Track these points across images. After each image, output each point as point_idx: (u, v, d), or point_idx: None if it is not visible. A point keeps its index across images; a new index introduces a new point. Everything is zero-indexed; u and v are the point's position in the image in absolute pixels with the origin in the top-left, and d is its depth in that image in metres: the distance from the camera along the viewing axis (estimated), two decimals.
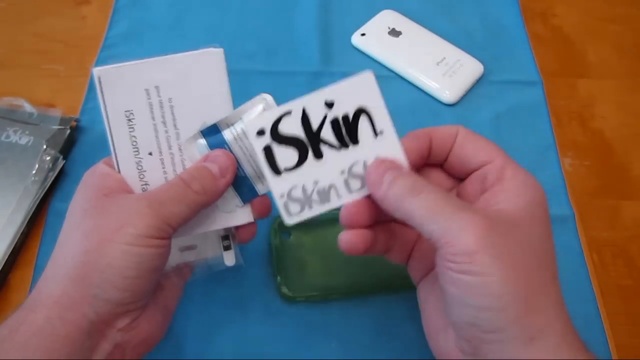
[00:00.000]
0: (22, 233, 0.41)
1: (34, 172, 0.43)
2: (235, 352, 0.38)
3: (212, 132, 0.32)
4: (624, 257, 0.44)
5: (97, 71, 0.30)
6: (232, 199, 0.32)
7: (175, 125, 0.31)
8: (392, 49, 0.53)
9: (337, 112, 0.30)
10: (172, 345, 0.38)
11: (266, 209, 0.33)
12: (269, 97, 0.33)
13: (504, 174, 0.29)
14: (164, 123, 0.31)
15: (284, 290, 0.39)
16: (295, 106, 0.30)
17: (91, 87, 0.50)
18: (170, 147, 0.31)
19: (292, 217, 0.30)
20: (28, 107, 0.47)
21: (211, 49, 0.32)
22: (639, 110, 0.53)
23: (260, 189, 0.33)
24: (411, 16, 0.56)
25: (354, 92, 0.30)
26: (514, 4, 0.58)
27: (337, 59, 0.53)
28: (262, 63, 0.52)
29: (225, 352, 0.38)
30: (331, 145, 0.30)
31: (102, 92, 0.30)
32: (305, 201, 0.30)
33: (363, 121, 0.30)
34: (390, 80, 0.52)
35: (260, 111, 0.32)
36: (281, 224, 0.41)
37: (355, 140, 0.30)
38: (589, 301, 0.41)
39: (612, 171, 0.49)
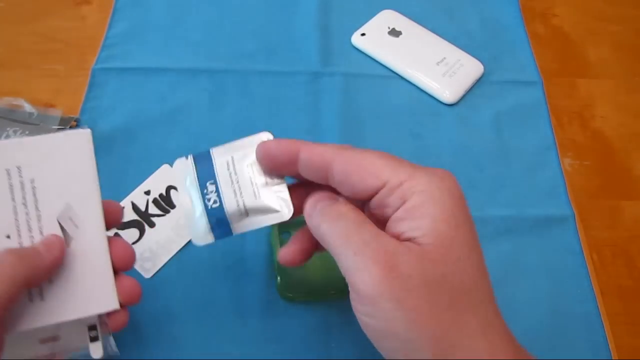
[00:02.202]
0: None
1: None
2: (235, 353, 0.38)
3: (203, 157, 0.32)
4: (624, 257, 0.44)
5: None
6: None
7: (36, 207, 0.29)
8: (392, 49, 0.53)
9: (154, 194, 0.42)
10: (172, 346, 0.38)
11: (136, 295, 0.30)
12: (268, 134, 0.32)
13: (404, 194, 0.26)
14: (25, 204, 0.29)
15: (284, 290, 0.39)
16: (125, 201, 0.42)
17: (91, 87, 0.50)
18: (30, 230, 0.29)
19: (148, 272, 0.40)
20: (28, 107, 0.47)
21: (78, 130, 0.31)
22: (639, 110, 0.53)
23: (235, 227, 0.31)
24: (411, 16, 0.56)
25: (164, 179, 0.40)
26: (514, 4, 0.59)
27: (337, 59, 0.53)
28: (262, 63, 0.52)
29: (225, 352, 0.38)
30: (158, 215, 0.42)
31: None
32: (153, 257, 0.40)
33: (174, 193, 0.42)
34: (390, 80, 0.52)
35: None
36: (281, 224, 0.41)
37: (172, 206, 0.42)
38: (589, 301, 0.41)
39: (612, 171, 0.49)
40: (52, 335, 0.31)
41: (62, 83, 0.51)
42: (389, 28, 0.55)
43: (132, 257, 0.31)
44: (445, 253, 0.25)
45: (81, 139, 0.31)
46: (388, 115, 0.50)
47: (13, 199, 0.29)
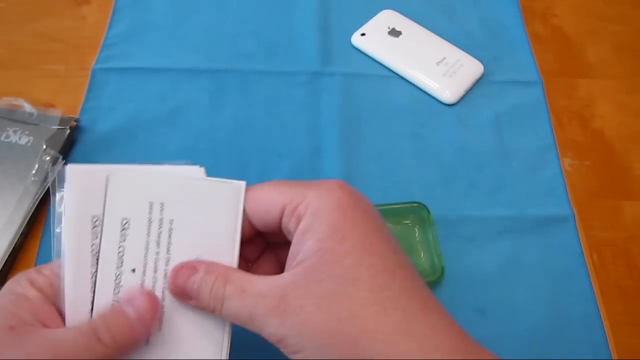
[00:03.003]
0: (21, 233, 0.41)
1: (33, 172, 0.43)
2: (235, 353, 0.38)
3: None
4: (624, 257, 0.44)
5: (109, 170, 0.28)
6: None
7: (168, 249, 0.29)
8: (392, 49, 0.53)
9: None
10: None
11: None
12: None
13: (298, 216, 0.27)
14: (158, 243, 0.28)
15: None
16: None
17: (91, 87, 0.50)
18: (156, 270, 0.28)
19: None
20: (28, 107, 0.47)
21: (233, 182, 0.29)
22: (639, 110, 0.53)
23: None
24: (411, 16, 0.56)
25: None
26: (514, 4, 0.58)
27: (337, 59, 0.53)
28: (262, 63, 0.52)
29: None
30: None
31: (106, 191, 0.28)
32: None
33: None
34: (390, 80, 0.52)
35: None
36: None
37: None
38: (589, 301, 0.41)
39: (612, 171, 0.49)
40: None
41: (62, 83, 0.51)
42: (389, 28, 0.55)
43: None
44: (329, 269, 0.25)
45: (233, 191, 0.29)
46: (388, 115, 0.50)
47: (148, 234, 0.28)
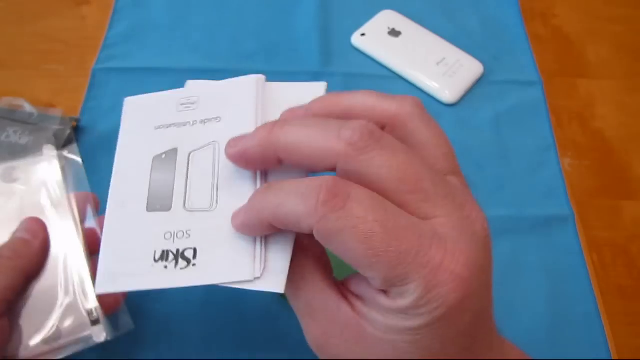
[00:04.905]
0: None
1: None
2: (235, 353, 0.38)
3: None
4: (624, 257, 0.44)
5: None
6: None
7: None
8: (392, 49, 0.53)
9: None
10: (171, 346, 0.38)
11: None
12: None
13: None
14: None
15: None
16: None
17: (91, 87, 0.50)
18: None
19: None
20: (28, 107, 0.47)
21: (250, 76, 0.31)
22: (639, 110, 0.53)
23: None
24: (411, 16, 0.56)
25: None
26: (514, 4, 0.59)
27: (337, 59, 0.53)
28: (262, 63, 0.52)
29: (225, 352, 0.38)
30: None
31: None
32: None
33: None
34: (390, 81, 0.52)
35: None
36: None
37: None
38: (589, 301, 0.41)
39: (612, 171, 0.49)
40: (54, 335, 0.30)
41: (62, 83, 0.51)
42: (389, 28, 0.55)
43: None
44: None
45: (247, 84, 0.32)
46: None
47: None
